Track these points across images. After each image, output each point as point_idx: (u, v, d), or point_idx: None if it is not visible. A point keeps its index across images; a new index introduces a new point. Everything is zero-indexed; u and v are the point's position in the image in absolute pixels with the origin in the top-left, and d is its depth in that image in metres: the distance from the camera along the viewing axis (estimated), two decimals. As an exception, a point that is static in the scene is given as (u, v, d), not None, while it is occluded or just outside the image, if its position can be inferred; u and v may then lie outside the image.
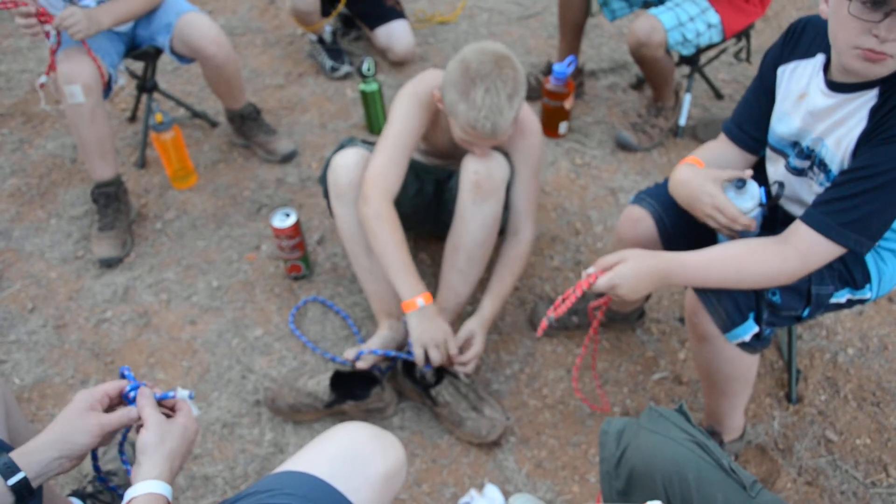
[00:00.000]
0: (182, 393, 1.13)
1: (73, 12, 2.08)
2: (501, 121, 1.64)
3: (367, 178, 1.80)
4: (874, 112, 1.29)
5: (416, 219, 2.06)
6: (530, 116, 1.90)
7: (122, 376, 1.15)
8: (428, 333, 1.76)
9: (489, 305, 1.91)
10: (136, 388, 1.11)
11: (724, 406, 1.67)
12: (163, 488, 0.99)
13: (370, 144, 1.98)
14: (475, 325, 1.88)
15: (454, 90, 1.65)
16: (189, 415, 1.09)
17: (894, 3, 1.12)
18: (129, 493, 0.98)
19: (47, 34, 2.11)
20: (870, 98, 1.30)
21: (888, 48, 1.17)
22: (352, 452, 1.11)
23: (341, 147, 1.98)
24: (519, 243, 1.95)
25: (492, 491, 1.71)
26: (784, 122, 1.49)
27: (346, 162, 1.89)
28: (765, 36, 3.23)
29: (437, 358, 1.77)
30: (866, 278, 1.49)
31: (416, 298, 1.75)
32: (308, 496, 1.02)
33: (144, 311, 2.19)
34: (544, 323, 1.50)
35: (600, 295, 2.07)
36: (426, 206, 2.04)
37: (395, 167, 1.81)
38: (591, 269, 1.47)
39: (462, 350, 1.87)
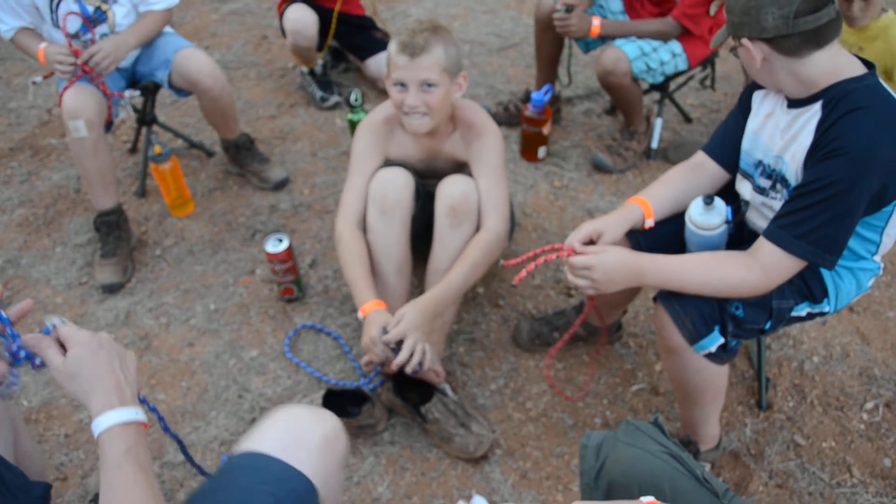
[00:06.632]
0: (55, 320, 1.08)
1: (99, 48, 2.13)
2: (419, 39, 1.70)
3: (339, 206, 1.91)
4: (819, 126, 1.32)
5: (416, 242, 1.96)
6: (487, 121, 1.90)
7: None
8: (363, 341, 1.71)
9: (433, 289, 1.77)
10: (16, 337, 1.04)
11: (698, 415, 1.67)
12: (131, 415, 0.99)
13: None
14: (407, 307, 1.69)
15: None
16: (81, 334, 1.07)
17: None
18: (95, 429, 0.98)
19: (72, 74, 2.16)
20: (815, 112, 1.34)
21: None
22: (291, 426, 1.16)
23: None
24: (484, 232, 1.82)
25: (479, 502, 1.69)
26: (751, 138, 1.53)
27: (397, 181, 1.84)
28: (728, 64, 3.27)
29: (376, 357, 1.69)
30: (824, 293, 1.51)
31: (360, 310, 1.75)
32: (256, 466, 1.08)
33: (145, 335, 2.17)
34: (522, 274, 1.58)
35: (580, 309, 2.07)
36: (419, 228, 1.99)
37: (356, 191, 1.90)
38: (571, 243, 1.52)
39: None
